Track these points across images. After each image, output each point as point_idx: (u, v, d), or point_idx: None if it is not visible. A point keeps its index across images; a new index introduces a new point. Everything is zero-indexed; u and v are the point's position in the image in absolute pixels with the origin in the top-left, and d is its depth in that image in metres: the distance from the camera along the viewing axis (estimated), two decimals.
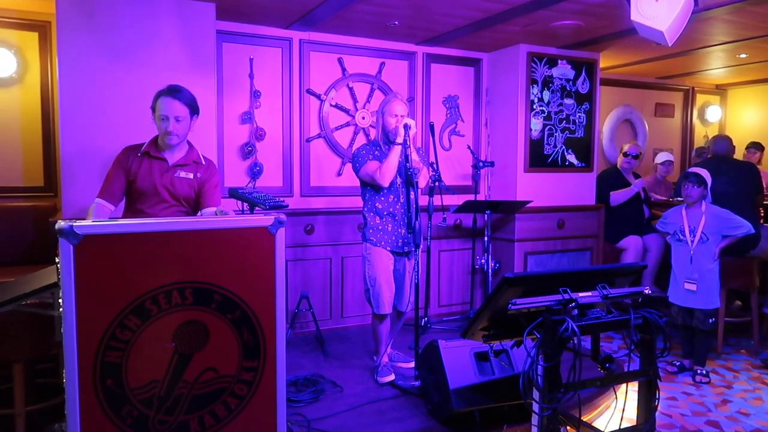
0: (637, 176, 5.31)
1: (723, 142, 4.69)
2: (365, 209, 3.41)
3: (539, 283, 2.03)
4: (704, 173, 3.78)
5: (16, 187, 4.02)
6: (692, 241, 3.78)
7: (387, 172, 3.18)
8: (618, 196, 5.05)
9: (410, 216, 3.13)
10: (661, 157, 5.91)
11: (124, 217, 2.79)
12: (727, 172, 4.43)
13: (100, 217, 2.56)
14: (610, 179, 5.17)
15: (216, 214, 2.68)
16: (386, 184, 3.22)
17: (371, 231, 3.35)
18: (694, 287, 3.73)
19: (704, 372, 3.78)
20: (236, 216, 2.42)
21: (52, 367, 3.35)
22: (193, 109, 2.75)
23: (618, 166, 5.27)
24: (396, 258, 3.40)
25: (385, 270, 3.33)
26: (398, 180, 3.31)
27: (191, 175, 2.79)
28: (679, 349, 4.04)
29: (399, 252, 3.38)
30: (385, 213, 3.34)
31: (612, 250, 5.12)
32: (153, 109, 2.72)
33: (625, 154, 5.19)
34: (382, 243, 3.33)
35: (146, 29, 3.45)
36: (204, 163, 2.85)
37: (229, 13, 3.83)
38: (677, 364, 3.92)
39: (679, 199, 5.37)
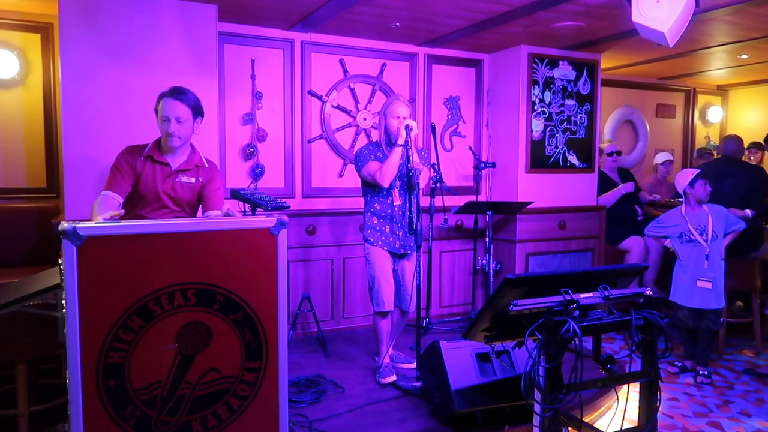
0: (629, 175, 5.30)
1: (732, 142, 4.67)
2: (365, 210, 3.45)
3: (541, 284, 2.03)
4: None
5: (19, 188, 4.03)
6: (706, 240, 3.74)
7: (387, 172, 3.20)
8: (605, 199, 5.09)
9: (411, 217, 3.15)
10: (660, 157, 5.91)
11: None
12: (735, 174, 4.42)
13: (107, 208, 2.44)
14: (597, 183, 5.17)
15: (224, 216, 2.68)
16: (386, 185, 3.24)
17: (369, 231, 3.40)
18: (709, 285, 3.69)
19: (706, 373, 3.78)
20: (238, 217, 2.42)
21: (55, 367, 3.36)
22: (197, 111, 2.70)
23: (601, 167, 5.26)
24: (394, 259, 3.43)
25: (384, 268, 3.36)
26: (397, 183, 3.34)
27: (193, 180, 2.76)
28: (680, 349, 4.04)
29: (396, 254, 3.41)
30: (383, 214, 3.37)
31: (613, 251, 5.13)
32: (156, 110, 2.69)
33: (609, 154, 5.22)
34: (379, 243, 3.36)
35: (148, 31, 3.46)
36: (206, 165, 2.82)
37: (231, 14, 3.84)
38: (679, 365, 3.92)
39: (681, 200, 5.39)
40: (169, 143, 2.67)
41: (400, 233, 3.37)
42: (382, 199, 3.37)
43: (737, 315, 4.83)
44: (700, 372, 3.79)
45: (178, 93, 2.65)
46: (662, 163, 5.86)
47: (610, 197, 5.08)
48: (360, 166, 3.34)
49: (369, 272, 3.41)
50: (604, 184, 5.16)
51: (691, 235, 3.80)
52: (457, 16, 3.89)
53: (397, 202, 3.36)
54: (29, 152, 4.07)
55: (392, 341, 3.55)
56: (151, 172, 2.69)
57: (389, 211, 3.36)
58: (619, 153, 5.30)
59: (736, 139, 4.70)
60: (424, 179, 3.41)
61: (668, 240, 3.97)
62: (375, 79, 4.59)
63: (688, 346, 3.92)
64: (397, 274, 3.45)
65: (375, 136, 4.16)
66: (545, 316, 1.91)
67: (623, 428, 2.08)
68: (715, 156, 6.07)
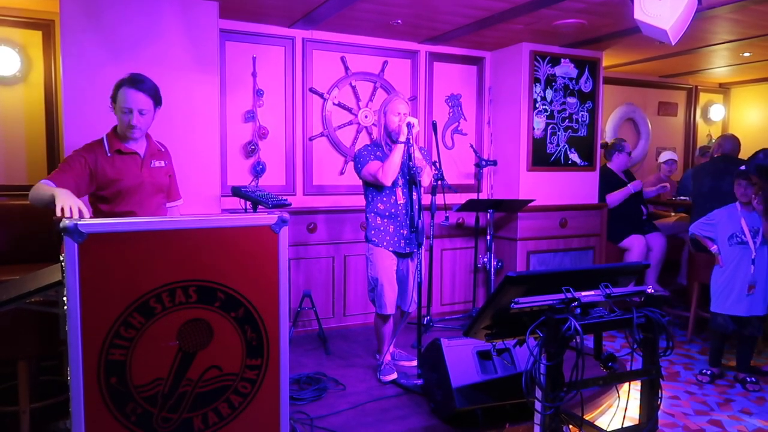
0: (630, 175, 5.32)
1: (732, 141, 4.69)
2: (367, 210, 3.41)
3: (542, 281, 2.02)
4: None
5: (20, 185, 4.03)
6: (756, 243, 3.59)
7: (389, 170, 3.18)
8: (615, 197, 5.08)
9: (413, 215, 3.14)
10: (664, 156, 5.91)
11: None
12: (733, 172, 4.42)
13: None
14: (604, 179, 5.18)
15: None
16: (389, 183, 3.22)
17: (373, 232, 3.36)
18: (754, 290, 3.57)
19: (754, 380, 3.64)
20: (240, 214, 2.42)
21: (56, 364, 3.36)
22: (157, 101, 2.64)
23: (609, 165, 5.27)
24: (399, 259, 3.40)
25: (388, 270, 3.32)
26: (400, 181, 3.32)
27: (163, 163, 2.77)
28: (681, 348, 4.03)
29: (401, 253, 3.38)
30: (387, 214, 3.33)
31: (615, 249, 5.12)
32: (113, 99, 2.58)
33: (629, 153, 5.24)
34: (384, 243, 3.33)
35: (150, 28, 3.46)
36: (164, 150, 2.83)
37: (232, 11, 3.83)
38: (708, 373, 3.76)
39: (682, 198, 5.39)
40: (130, 135, 2.61)
41: (404, 232, 3.34)
42: (385, 199, 3.34)
43: None
44: (749, 380, 3.63)
45: (137, 82, 2.56)
46: (665, 162, 5.85)
47: (619, 195, 5.08)
48: (360, 167, 3.30)
49: (371, 274, 3.37)
50: (612, 182, 5.16)
51: (743, 236, 3.61)
52: (459, 14, 3.88)
53: (401, 201, 3.34)
54: (30, 149, 4.07)
55: (393, 340, 3.55)
56: (123, 165, 2.62)
57: (393, 210, 3.33)
58: (629, 154, 5.34)
59: (733, 138, 4.73)
60: (426, 177, 3.38)
61: (715, 246, 3.75)
62: (376, 77, 4.58)
63: (716, 354, 3.76)
64: (401, 273, 3.42)
65: (375, 134, 4.16)
66: (546, 314, 1.91)
67: (624, 426, 2.08)
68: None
